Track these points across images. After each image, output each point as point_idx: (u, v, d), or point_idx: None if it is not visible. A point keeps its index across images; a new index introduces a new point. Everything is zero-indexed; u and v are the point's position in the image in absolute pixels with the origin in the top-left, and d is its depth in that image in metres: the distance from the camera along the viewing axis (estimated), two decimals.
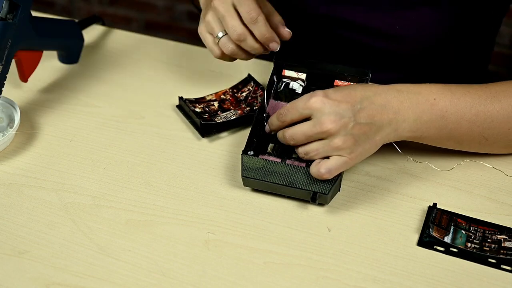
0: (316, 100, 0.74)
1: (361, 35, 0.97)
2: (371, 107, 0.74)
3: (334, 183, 0.75)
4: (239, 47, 0.85)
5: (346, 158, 0.74)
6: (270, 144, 0.83)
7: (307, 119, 0.75)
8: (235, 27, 0.82)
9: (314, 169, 0.75)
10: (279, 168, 0.77)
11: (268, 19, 0.85)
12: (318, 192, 0.75)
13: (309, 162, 0.77)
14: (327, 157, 0.75)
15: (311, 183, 0.75)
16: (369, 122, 0.74)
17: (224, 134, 0.88)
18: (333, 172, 0.74)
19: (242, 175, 0.77)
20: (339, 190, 0.79)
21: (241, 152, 0.78)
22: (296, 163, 0.77)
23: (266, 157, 0.79)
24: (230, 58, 0.88)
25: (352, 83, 0.83)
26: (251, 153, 0.79)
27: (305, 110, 0.75)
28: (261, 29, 0.82)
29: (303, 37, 1.02)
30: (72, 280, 0.70)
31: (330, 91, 0.75)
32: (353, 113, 0.73)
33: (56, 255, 0.73)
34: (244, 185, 0.79)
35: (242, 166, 0.77)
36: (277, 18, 0.87)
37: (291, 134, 0.76)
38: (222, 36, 0.84)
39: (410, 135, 0.77)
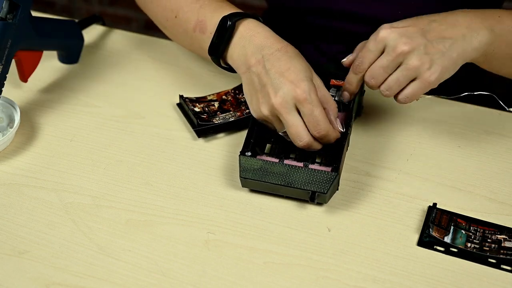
0: (385, 31, 0.76)
1: (361, 26, 0.98)
2: (440, 28, 0.76)
3: (332, 182, 0.75)
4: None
5: (424, 79, 0.75)
6: (268, 145, 0.83)
7: None
8: (301, 137, 0.76)
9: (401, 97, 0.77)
10: (277, 168, 0.77)
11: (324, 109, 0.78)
12: (317, 191, 0.75)
13: (306, 162, 0.78)
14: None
15: (310, 183, 0.75)
16: (441, 40, 0.75)
17: (221, 134, 0.88)
18: (412, 98, 0.77)
19: (240, 176, 0.77)
20: (337, 189, 0.79)
21: (239, 153, 0.79)
22: (294, 163, 0.77)
23: (264, 157, 0.79)
24: None
25: None
26: (249, 153, 0.79)
27: (378, 45, 0.76)
28: (329, 139, 0.78)
29: (301, 33, 1.02)
30: (72, 280, 0.70)
31: (395, 22, 0.77)
32: (423, 34, 0.75)
33: (56, 255, 0.73)
34: (243, 186, 0.79)
35: (240, 167, 0.77)
36: (332, 108, 0.80)
37: (369, 74, 0.77)
38: (285, 134, 0.79)
39: (486, 48, 0.78)
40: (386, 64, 0.76)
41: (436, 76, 0.75)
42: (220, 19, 0.81)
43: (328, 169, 0.76)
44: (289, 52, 0.78)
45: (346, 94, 0.82)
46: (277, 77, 0.76)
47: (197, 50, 0.89)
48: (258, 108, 0.79)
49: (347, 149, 0.82)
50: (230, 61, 0.82)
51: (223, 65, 0.85)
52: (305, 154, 0.81)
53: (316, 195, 0.75)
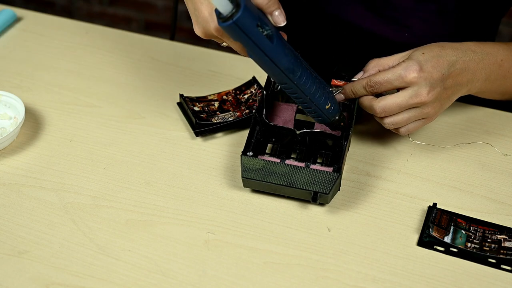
0: (414, 75, 0.76)
1: (367, 41, 0.98)
2: (455, 72, 0.78)
3: (334, 182, 0.75)
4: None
5: (428, 119, 0.80)
6: (269, 145, 0.83)
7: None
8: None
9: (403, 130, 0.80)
10: (279, 168, 0.77)
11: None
12: (319, 192, 0.75)
13: (308, 162, 0.78)
14: None
15: (312, 183, 0.75)
16: (452, 86, 0.79)
17: (221, 134, 0.88)
18: (411, 132, 0.81)
19: (242, 176, 0.77)
20: (339, 190, 0.79)
21: (241, 153, 0.78)
22: (295, 163, 0.77)
23: (266, 157, 0.79)
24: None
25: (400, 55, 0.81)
26: (250, 153, 0.78)
27: (401, 84, 0.77)
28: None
29: (307, 35, 1.02)
30: (72, 280, 0.70)
31: (422, 60, 0.77)
32: (443, 81, 0.77)
33: (56, 255, 0.73)
34: (244, 186, 0.79)
35: (242, 167, 0.77)
36: None
37: (383, 108, 0.77)
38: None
39: (476, 91, 0.84)
40: (403, 105, 0.77)
41: (437, 116, 0.81)
42: None
43: (330, 169, 0.76)
44: None
45: (341, 97, 0.82)
46: None
47: None
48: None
49: (348, 149, 0.82)
50: None
51: None
52: (306, 155, 0.81)
53: (318, 196, 0.75)
